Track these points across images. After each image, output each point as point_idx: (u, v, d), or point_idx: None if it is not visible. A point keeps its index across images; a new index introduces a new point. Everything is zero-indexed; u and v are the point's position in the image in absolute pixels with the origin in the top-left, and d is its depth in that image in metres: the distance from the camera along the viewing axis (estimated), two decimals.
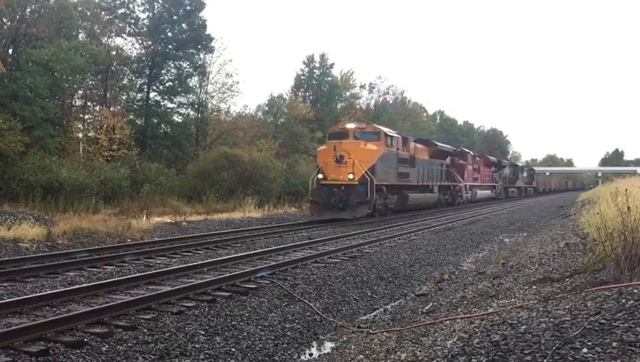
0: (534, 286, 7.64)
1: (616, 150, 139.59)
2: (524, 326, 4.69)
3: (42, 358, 5.76)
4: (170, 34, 36.74)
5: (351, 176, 21.53)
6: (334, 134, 23.78)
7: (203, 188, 28.91)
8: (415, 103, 72.22)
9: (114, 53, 34.78)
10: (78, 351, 6.00)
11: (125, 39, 36.70)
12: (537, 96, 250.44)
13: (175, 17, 36.45)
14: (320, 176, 22.33)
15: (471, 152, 42.26)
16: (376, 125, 25.50)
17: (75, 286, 8.72)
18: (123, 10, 35.99)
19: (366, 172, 21.41)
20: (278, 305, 8.74)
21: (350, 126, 24.08)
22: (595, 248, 8.02)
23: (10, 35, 28.29)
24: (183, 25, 36.71)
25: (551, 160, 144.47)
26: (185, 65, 37.66)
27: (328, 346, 7.66)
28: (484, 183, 45.23)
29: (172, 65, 37.34)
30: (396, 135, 25.51)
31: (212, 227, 19.43)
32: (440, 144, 33.84)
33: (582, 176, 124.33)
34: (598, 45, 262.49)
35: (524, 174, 67.19)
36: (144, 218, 19.11)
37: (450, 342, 5.07)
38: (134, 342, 6.48)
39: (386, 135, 23.79)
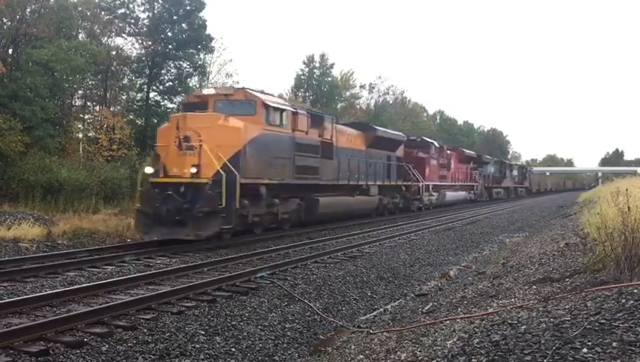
0: (534, 286, 7.64)
1: (617, 150, 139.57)
2: (524, 326, 4.68)
3: (42, 358, 5.75)
4: (170, 34, 36.70)
5: (194, 170, 13.43)
6: (190, 105, 15.68)
7: None
8: (415, 103, 72.17)
9: (114, 53, 34.77)
10: (78, 351, 5.99)
11: (125, 39, 36.69)
12: (537, 96, 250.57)
13: (175, 17, 36.40)
14: (150, 170, 14.44)
15: (436, 143, 33.42)
16: (251, 90, 15.91)
17: (75, 286, 8.72)
18: (123, 10, 35.95)
19: (225, 163, 13.32)
20: (278, 305, 8.74)
21: (209, 92, 15.75)
22: (595, 248, 8.02)
23: (10, 35, 28.27)
24: (183, 25, 36.67)
25: (551, 160, 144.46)
26: (185, 65, 37.62)
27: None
28: (456, 183, 36.94)
29: (172, 65, 37.31)
30: (290, 107, 16.72)
31: None
32: (384, 129, 26.36)
33: (582, 176, 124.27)
34: (598, 45, 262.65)
35: (514, 173, 60.36)
36: None
37: (450, 342, 5.07)
38: (134, 341, 6.48)
39: (266, 105, 15.12)
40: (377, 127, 25.17)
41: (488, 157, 49.15)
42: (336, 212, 19.66)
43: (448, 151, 35.68)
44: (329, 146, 18.83)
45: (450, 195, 34.63)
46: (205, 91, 15.99)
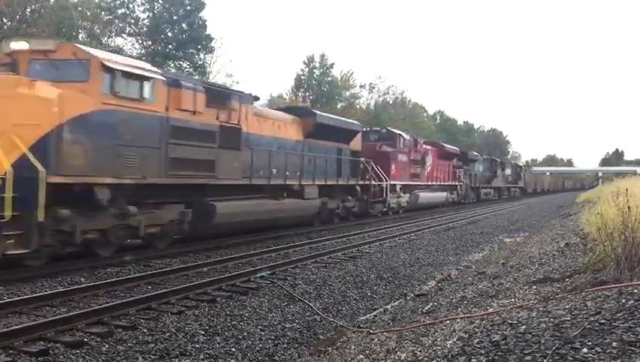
0: (534, 286, 7.64)
1: (617, 150, 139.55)
2: (524, 326, 4.68)
3: (42, 358, 5.75)
4: (170, 34, 36.75)
5: None
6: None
7: None
8: (415, 103, 72.19)
9: (114, 53, 34.80)
10: (78, 351, 6.00)
11: (125, 39, 36.75)
12: (537, 96, 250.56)
13: (175, 17, 36.46)
14: None
15: (406, 135, 28.40)
16: (83, 47, 11.15)
17: (75, 287, 8.72)
18: (123, 10, 36.03)
19: (23, 154, 9.06)
20: (278, 305, 8.75)
21: (21, 47, 10.57)
22: (595, 248, 8.02)
23: (10, 35, 28.28)
24: (183, 25, 36.71)
25: (551, 160, 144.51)
26: (185, 65, 37.67)
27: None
28: (434, 182, 31.52)
29: (172, 65, 37.36)
30: (161, 76, 11.81)
31: None
32: (330, 116, 21.68)
33: (581, 176, 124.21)
34: (598, 45, 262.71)
35: (507, 171, 55.25)
36: None
37: (450, 342, 5.07)
38: (134, 341, 6.48)
39: (108, 69, 10.35)
40: (319, 113, 19.99)
41: (476, 154, 43.88)
42: (246, 221, 14.53)
43: (425, 146, 30.54)
44: (234, 133, 13.90)
45: (424, 197, 29.16)
46: (14, 46, 10.71)
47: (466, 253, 16.52)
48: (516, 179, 58.83)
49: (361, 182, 21.82)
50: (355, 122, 23.47)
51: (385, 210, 24.54)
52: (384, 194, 23.77)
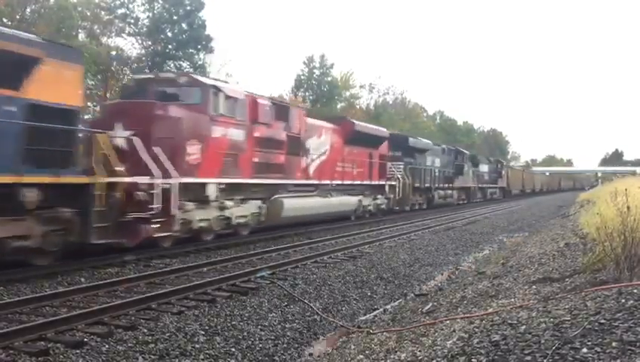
0: (534, 286, 7.64)
1: (616, 150, 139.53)
2: (524, 326, 4.69)
3: (42, 358, 5.76)
4: (170, 34, 36.73)
5: None
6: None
7: None
8: (415, 103, 72.22)
9: (114, 53, 34.79)
10: (78, 351, 6.00)
11: (125, 39, 36.74)
12: (537, 96, 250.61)
13: (175, 17, 36.44)
14: None
15: (235, 89, 15.04)
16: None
17: (75, 287, 8.72)
18: (123, 10, 36.00)
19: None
20: (278, 305, 8.75)
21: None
22: (594, 248, 8.02)
23: None
24: (183, 25, 36.69)
25: (551, 160, 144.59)
26: (185, 65, 37.65)
27: None
28: (334, 180, 19.79)
29: (172, 65, 37.35)
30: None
31: None
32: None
33: (581, 176, 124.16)
34: (598, 45, 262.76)
35: (483, 168, 44.40)
36: None
37: (450, 342, 5.07)
38: (134, 341, 6.48)
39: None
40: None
41: (427, 142, 31.99)
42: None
43: (309, 120, 18.43)
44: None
45: (298, 205, 17.07)
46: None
47: (466, 253, 16.53)
48: (496, 177, 49.02)
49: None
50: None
51: (162, 234, 11.83)
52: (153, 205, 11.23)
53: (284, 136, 16.23)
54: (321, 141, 19.03)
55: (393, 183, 24.97)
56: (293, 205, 16.70)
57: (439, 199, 32.34)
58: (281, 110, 16.41)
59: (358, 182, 21.64)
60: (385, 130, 26.23)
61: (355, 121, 22.58)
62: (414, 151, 28.73)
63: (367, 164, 22.53)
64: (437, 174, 31.89)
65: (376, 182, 23.33)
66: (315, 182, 18.51)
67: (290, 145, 16.48)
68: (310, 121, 18.54)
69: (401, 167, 26.22)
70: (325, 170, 19.13)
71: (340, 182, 20.05)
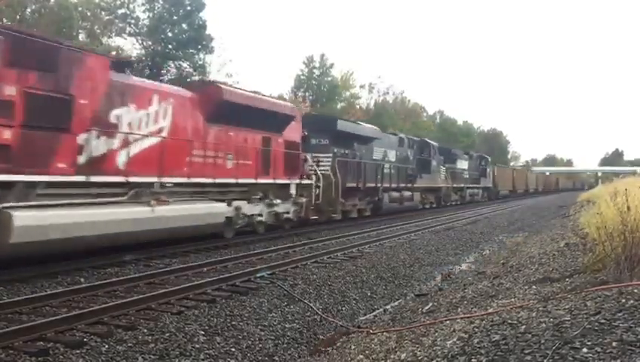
0: (534, 286, 7.64)
1: (616, 150, 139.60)
2: (524, 326, 4.68)
3: (42, 358, 5.75)
4: (170, 34, 36.77)
5: None
6: None
7: None
8: (415, 103, 72.27)
9: (114, 53, 34.79)
10: (78, 351, 6.00)
11: (125, 39, 36.77)
12: (537, 96, 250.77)
13: (175, 17, 36.47)
14: None
15: None
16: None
17: (75, 286, 8.72)
18: (123, 11, 36.05)
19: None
20: (278, 305, 8.74)
21: None
22: (594, 248, 8.01)
23: None
24: (183, 25, 36.72)
25: (551, 160, 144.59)
26: (185, 65, 37.68)
27: None
28: (181, 176, 12.47)
29: (172, 65, 37.38)
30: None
31: None
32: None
33: (581, 176, 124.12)
34: (598, 45, 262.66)
35: (461, 165, 37.20)
36: None
37: (450, 342, 5.07)
38: (134, 341, 6.48)
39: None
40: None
41: (371, 128, 24.41)
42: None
43: (121, 78, 11.32)
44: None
45: (67, 222, 9.51)
46: None
47: (466, 253, 16.52)
48: (478, 176, 42.12)
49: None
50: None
51: None
52: None
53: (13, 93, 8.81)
54: (152, 113, 11.82)
55: (308, 182, 17.52)
56: (42, 221, 9.11)
57: (392, 203, 24.69)
58: (26, 46, 9.16)
59: (237, 180, 14.15)
60: (292, 105, 18.94)
61: (228, 87, 14.68)
62: (350, 139, 21.12)
63: (259, 153, 15.06)
64: (388, 171, 24.39)
65: (278, 181, 15.86)
66: (133, 179, 11.22)
67: (33, 110, 9.07)
68: (122, 78, 11.36)
69: (329, 159, 19.28)
70: (156, 161, 11.75)
71: (186, 180, 12.58)
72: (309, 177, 17.81)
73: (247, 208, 14.92)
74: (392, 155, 25.22)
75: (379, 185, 23.32)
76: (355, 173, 21.21)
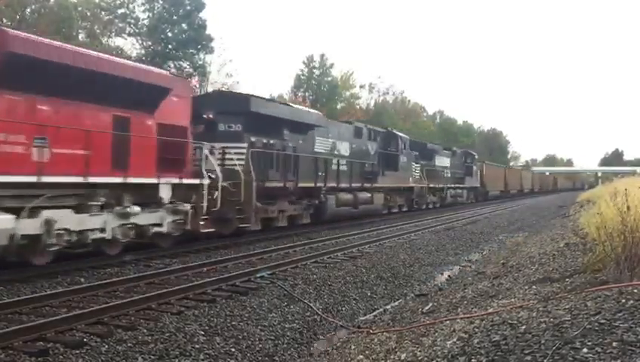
0: (534, 286, 7.64)
1: (616, 150, 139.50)
2: (524, 326, 4.68)
3: (42, 358, 5.75)
4: (170, 34, 36.77)
5: None
6: None
7: None
8: (415, 103, 72.33)
9: (114, 53, 34.81)
10: (78, 351, 5.99)
11: (125, 39, 36.78)
12: (537, 96, 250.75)
13: (175, 17, 36.47)
14: None
15: None
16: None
17: (75, 287, 8.72)
18: (123, 11, 36.06)
19: None
20: (278, 305, 8.74)
21: None
22: (594, 248, 8.02)
23: None
24: (183, 25, 36.73)
25: (551, 160, 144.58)
26: (185, 65, 37.68)
27: None
28: None
29: (172, 65, 37.37)
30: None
31: None
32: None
33: (581, 176, 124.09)
34: (598, 45, 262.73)
35: (441, 162, 33.32)
36: None
37: (450, 342, 5.07)
38: (134, 342, 6.48)
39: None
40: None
41: (308, 111, 20.15)
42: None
43: None
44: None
45: None
46: None
47: (466, 253, 16.51)
48: (462, 175, 37.62)
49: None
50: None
51: None
52: None
53: None
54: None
55: (192, 182, 12.58)
56: None
57: (341, 207, 19.74)
58: None
59: (54, 180, 9.44)
60: (171, 75, 14.18)
61: (24, 35, 9.66)
62: (277, 125, 16.27)
63: (107, 139, 10.53)
64: (336, 167, 19.52)
65: (137, 180, 11.04)
66: None
67: None
68: None
69: (242, 151, 14.66)
70: None
71: None
72: (202, 176, 12.76)
73: (74, 221, 9.82)
74: (344, 148, 20.34)
75: (320, 184, 18.11)
76: (282, 169, 16.10)
